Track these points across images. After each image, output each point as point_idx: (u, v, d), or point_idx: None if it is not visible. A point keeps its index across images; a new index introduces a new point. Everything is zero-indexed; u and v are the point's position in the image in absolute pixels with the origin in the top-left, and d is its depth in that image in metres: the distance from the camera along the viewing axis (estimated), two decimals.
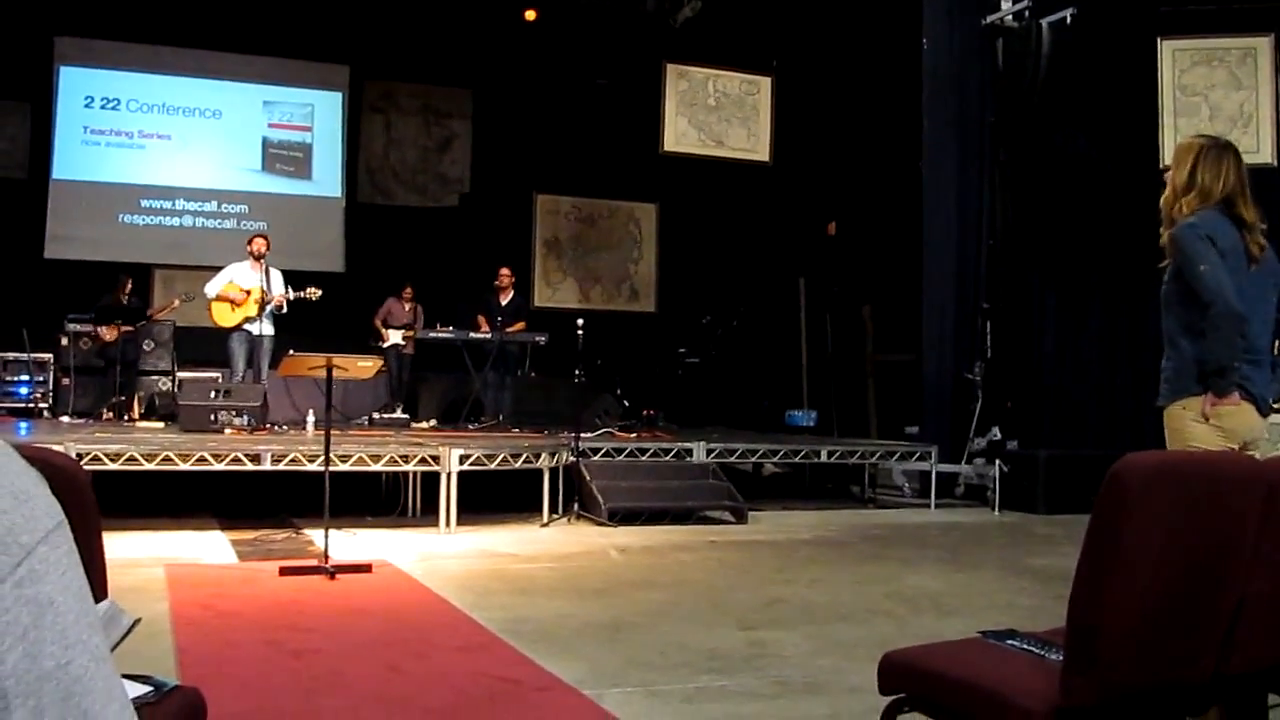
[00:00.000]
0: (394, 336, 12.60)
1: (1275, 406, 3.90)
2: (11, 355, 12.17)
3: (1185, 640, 2.30)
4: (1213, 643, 2.34)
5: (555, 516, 9.10)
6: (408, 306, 12.88)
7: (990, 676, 2.37)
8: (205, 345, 12.21)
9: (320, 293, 10.75)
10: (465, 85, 15.75)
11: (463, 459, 8.38)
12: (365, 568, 6.56)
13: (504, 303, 12.57)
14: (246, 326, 10.65)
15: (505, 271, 12.76)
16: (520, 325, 12.51)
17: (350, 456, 8.11)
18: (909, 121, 12.49)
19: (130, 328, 11.88)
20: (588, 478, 9.33)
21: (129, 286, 12.24)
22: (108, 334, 11.80)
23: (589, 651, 4.74)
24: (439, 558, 7.26)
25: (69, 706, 0.71)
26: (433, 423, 12.19)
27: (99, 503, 2.28)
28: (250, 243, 10.88)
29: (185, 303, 11.94)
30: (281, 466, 8.05)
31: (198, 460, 7.87)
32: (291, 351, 7.16)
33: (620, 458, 10.02)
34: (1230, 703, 2.71)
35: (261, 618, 5.29)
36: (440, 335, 12.32)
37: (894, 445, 11.66)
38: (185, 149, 14.76)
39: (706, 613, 5.66)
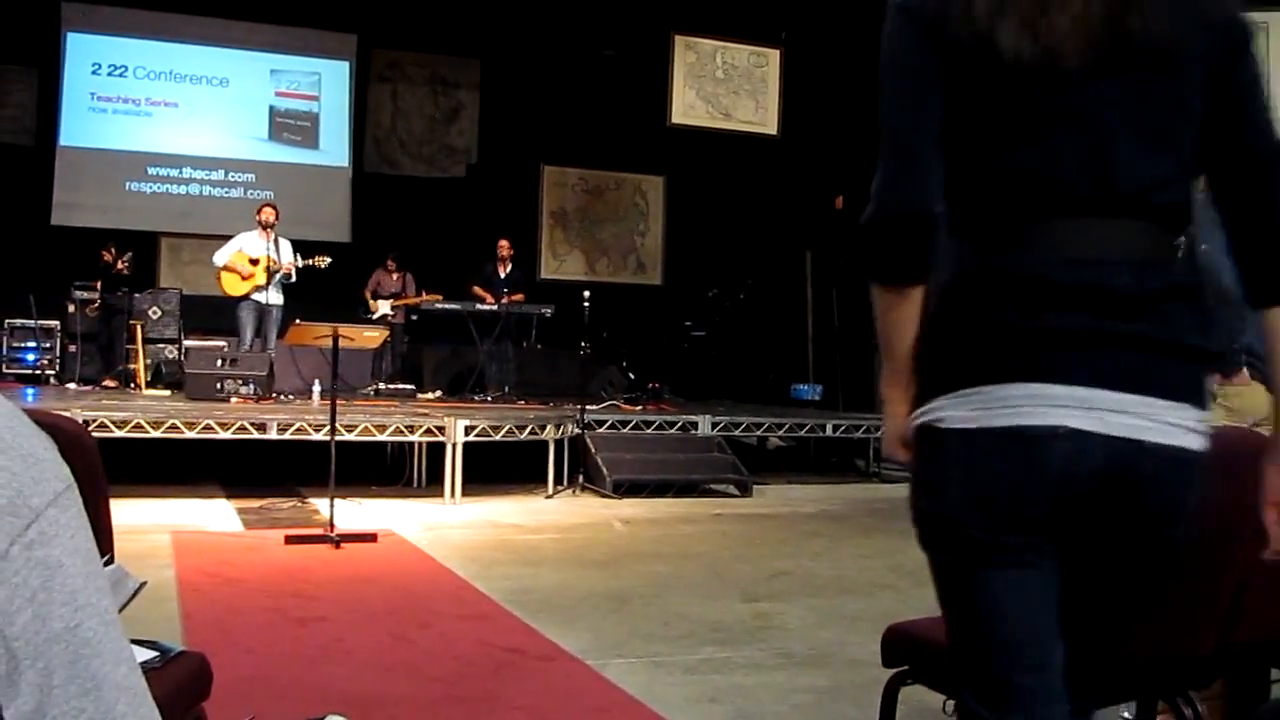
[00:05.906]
0: (383, 306, 12.49)
1: None
2: (19, 322, 12.16)
3: (1189, 612, 2.31)
4: (1217, 615, 2.34)
5: (560, 488, 9.12)
6: (394, 276, 12.73)
7: None
8: (213, 313, 12.22)
9: (329, 260, 10.70)
10: (473, 55, 15.63)
11: (468, 430, 8.40)
12: (370, 537, 6.59)
13: (503, 275, 12.50)
14: (255, 296, 10.64)
15: (505, 243, 12.62)
16: (519, 296, 12.44)
17: (356, 426, 8.13)
18: None
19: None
20: (593, 450, 9.34)
21: (106, 257, 12.04)
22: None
23: (593, 622, 4.76)
24: (444, 528, 7.29)
25: (77, 668, 0.71)
26: (438, 393, 12.19)
27: (106, 469, 2.29)
28: (259, 212, 10.84)
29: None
30: (288, 435, 8.08)
31: (204, 428, 7.89)
32: (298, 321, 7.17)
33: (625, 430, 10.02)
34: (1234, 675, 2.71)
35: (267, 585, 5.32)
36: (448, 306, 12.27)
37: None
38: (192, 117, 14.70)
39: (710, 585, 5.68)
